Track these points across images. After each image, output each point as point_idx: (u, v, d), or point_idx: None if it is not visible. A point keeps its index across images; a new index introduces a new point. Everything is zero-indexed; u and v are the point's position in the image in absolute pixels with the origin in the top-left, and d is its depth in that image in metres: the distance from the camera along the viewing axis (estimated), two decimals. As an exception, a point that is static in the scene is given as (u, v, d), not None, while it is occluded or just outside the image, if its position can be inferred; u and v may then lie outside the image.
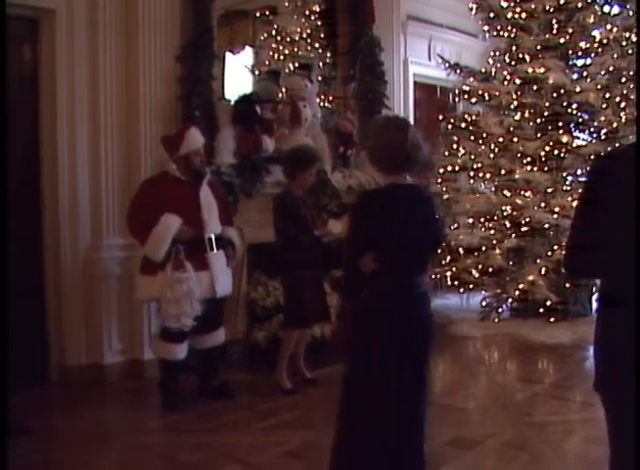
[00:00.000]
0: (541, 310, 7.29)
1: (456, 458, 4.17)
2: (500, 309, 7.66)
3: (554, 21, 7.70)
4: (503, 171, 7.75)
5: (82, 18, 5.69)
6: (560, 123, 7.58)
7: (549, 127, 7.57)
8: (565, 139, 7.40)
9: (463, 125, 8.08)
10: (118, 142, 5.88)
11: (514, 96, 7.77)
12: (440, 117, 8.43)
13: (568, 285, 7.26)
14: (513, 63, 7.92)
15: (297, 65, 7.21)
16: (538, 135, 7.64)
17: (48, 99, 5.59)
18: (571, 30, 7.65)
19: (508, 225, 7.59)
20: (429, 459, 4.07)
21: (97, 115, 5.78)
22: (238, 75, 7.22)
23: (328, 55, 7.90)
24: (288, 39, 7.49)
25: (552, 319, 7.23)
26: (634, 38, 7.69)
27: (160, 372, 5.20)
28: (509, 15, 7.89)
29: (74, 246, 5.76)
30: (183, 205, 4.97)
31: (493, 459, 4.23)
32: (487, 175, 7.91)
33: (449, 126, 8.18)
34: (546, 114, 7.51)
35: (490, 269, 7.65)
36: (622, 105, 7.57)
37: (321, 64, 7.85)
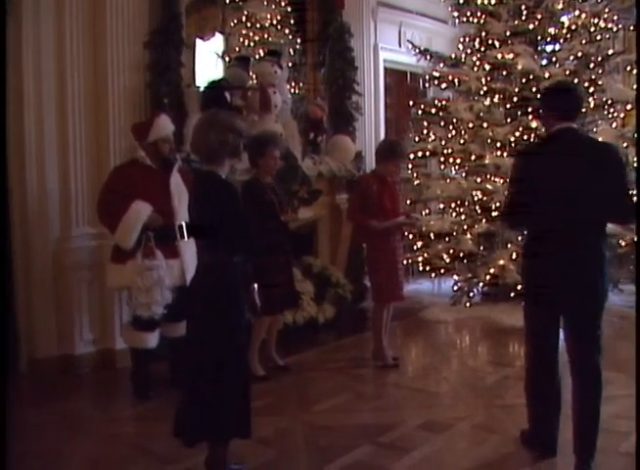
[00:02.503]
0: (512, 294, 7.33)
1: (427, 442, 4.21)
2: (471, 294, 7.72)
3: (523, 7, 7.74)
4: (473, 157, 7.79)
5: (49, 5, 5.61)
6: (529, 109, 7.62)
7: (518, 113, 7.62)
8: (534, 124, 7.43)
9: (433, 111, 8.09)
10: (87, 130, 5.82)
11: (483, 81, 7.79)
12: (411, 103, 8.44)
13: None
14: (482, 48, 7.94)
15: (266, 51, 7.14)
16: (508, 120, 7.68)
17: (14, 88, 5.50)
18: (539, 16, 7.68)
19: (478, 210, 7.62)
20: (401, 443, 4.15)
21: (64, 103, 5.71)
22: (208, 62, 7.17)
23: (298, 41, 7.87)
24: (258, 25, 7.44)
25: (523, 303, 7.27)
26: (602, 24, 7.76)
27: (132, 361, 5.19)
28: (478, 1, 7.91)
29: (44, 236, 5.70)
30: (153, 192, 4.93)
31: (464, 442, 4.29)
32: (458, 161, 7.94)
33: (419, 112, 8.19)
34: (515, 99, 7.55)
35: (461, 254, 7.70)
36: (591, 90, 7.62)
37: (291, 50, 7.83)
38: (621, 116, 8.05)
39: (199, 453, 3.73)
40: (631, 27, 8.12)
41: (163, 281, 4.86)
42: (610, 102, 7.70)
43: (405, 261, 7.90)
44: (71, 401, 5.03)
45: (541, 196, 3.70)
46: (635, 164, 7.70)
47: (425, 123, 8.23)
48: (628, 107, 7.84)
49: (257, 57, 7.26)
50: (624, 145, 7.72)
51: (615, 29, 7.83)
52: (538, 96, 7.45)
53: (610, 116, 7.88)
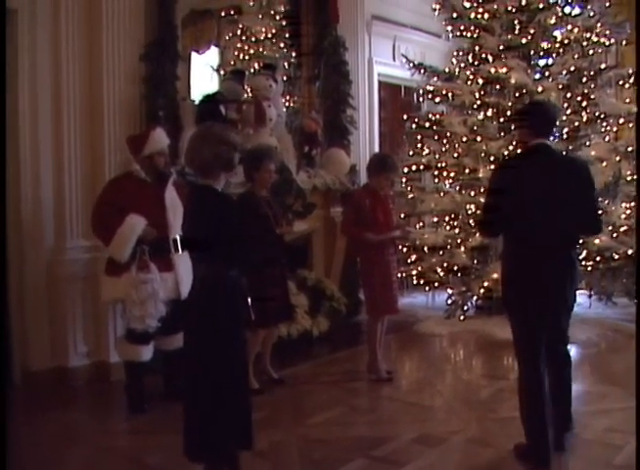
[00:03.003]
0: (506, 308, 7.34)
1: (421, 455, 4.20)
2: (465, 307, 7.72)
3: (516, 21, 7.79)
4: (467, 170, 7.82)
5: (45, 17, 5.64)
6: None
7: (512, 127, 7.65)
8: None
9: (427, 125, 8.13)
10: (82, 142, 5.84)
11: (477, 95, 7.85)
12: (405, 117, 8.47)
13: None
14: (476, 63, 7.99)
15: (261, 64, 7.18)
16: (501, 134, 7.72)
17: (10, 99, 5.50)
18: (532, 31, 7.74)
19: (472, 224, 7.64)
20: (394, 457, 4.15)
21: (60, 114, 5.73)
22: (203, 75, 7.20)
23: (293, 55, 7.91)
24: (253, 39, 7.48)
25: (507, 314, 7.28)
26: (594, 39, 7.82)
27: (126, 374, 5.17)
28: (472, 15, 7.97)
29: (38, 247, 5.70)
30: (148, 205, 4.93)
31: (458, 456, 4.26)
32: (451, 174, 7.97)
33: (413, 126, 8.23)
34: (509, 113, 7.59)
35: (455, 268, 7.72)
36: (584, 104, 7.68)
37: (286, 64, 7.86)
38: (614, 129, 8.11)
39: (192, 466, 3.71)
40: (624, 42, 8.19)
41: (158, 294, 4.85)
42: (602, 116, 7.76)
43: (399, 275, 7.90)
44: (65, 414, 5.00)
45: (517, 206, 3.91)
46: (628, 178, 7.75)
47: (419, 137, 8.27)
48: (621, 121, 7.90)
49: (252, 70, 7.30)
50: (617, 159, 7.78)
51: (607, 44, 7.91)
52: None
53: (602, 129, 7.93)
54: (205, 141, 3.57)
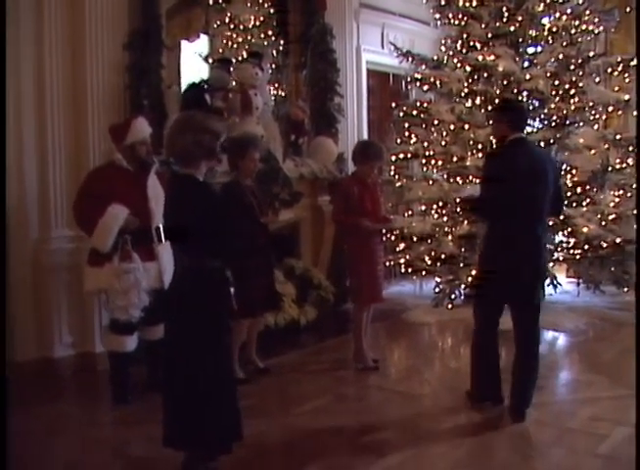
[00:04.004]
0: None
1: (404, 445, 4.20)
2: (453, 296, 7.72)
3: (504, 9, 7.74)
4: (455, 159, 7.79)
5: (27, 6, 5.59)
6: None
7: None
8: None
9: (414, 113, 8.09)
10: (66, 132, 5.82)
11: (464, 83, 7.81)
12: (393, 105, 8.43)
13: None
14: (464, 50, 7.95)
15: (245, 53, 7.12)
16: (489, 122, 7.66)
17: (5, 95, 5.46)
18: (520, 18, 7.69)
19: (459, 212, 7.63)
20: (377, 447, 4.14)
21: (43, 104, 5.71)
22: (192, 64, 7.16)
23: (281, 43, 7.85)
24: (241, 27, 7.41)
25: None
26: (583, 26, 7.78)
27: (110, 365, 5.15)
28: (460, 3, 7.92)
29: (22, 237, 5.69)
30: (130, 195, 4.89)
31: (442, 446, 4.26)
32: (439, 163, 7.95)
33: (401, 114, 8.18)
34: (497, 101, 7.55)
35: (443, 256, 7.71)
36: (572, 92, 7.65)
37: (274, 52, 7.80)
38: (603, 117, 8.10)
39: (175, 457, 3.70)
40: (612, 29, 8.16)
41: (140, 284, 4.81)
42: (591, 104, 7.73)
43: (387, 263, 7.91)
44: (50, 404, 4.97)
45: (508, 192, 4.43)
46: (617, 166, 7.75)
47: (406, 125, 8.23)
48: (610, 109, 7.88)
49: (239, 59, 7.24)
50: (606, 147, 7.76)
51: (596, 32, 7.87)
52: (519, 98, 7.51)
53: (591, 118, 7.90)
54: (187, 129, 3.53)
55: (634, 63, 7.49)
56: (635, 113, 7.59)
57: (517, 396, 4.61)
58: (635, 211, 7.28)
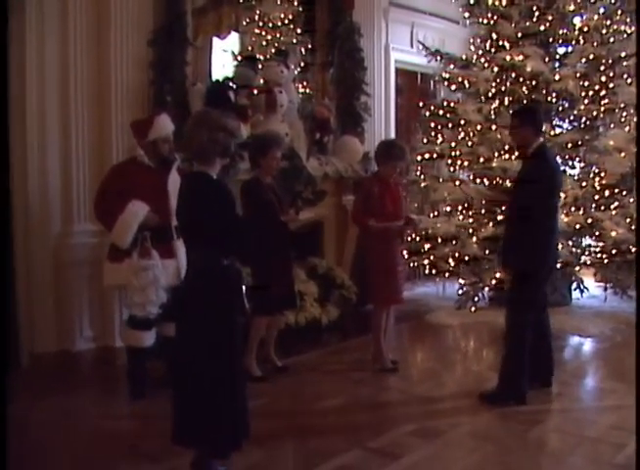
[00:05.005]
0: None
1: (418, 448, 4.15)
2: (476, 298, 7.63)
3: (534, 8, 7.65)
4: (481, 159, 7.70)
5: (53, 2, 5.62)
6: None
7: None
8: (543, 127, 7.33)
9: (441, 113, 8.01)
10: (89, 127, 5.86)
11: (492, 84, 7.71)
12: (420, 104, 8.36)
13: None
14: (492, 50, 7.86)
15: (272, 51, 7.12)
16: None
17: (17, 85, 5.51)
18: (550, 18, 7.59)
19: (484, 213, 7.55)
20: (391, 449, 4.10)
21: (67, 100, 5.75)
22: (223, 60, 7.20)
23: (308, 41, 7.83)
24: (270, 25, 7.41)
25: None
26: (615, 26, 7.65)
27: (128, 360, 5.17)
28: (489, 1, 7.83)
29: (45, 232, 5.74)
30: (150, 192, 4.90)
31: (456, 449, 4.21)
32: (465, 163, 7.86)
33: (427, 113, 8.11)
34: (524, 101, 7.45)
35: (467, 258, 7.62)
36: (602, 93, 7.51)
37: (303, 50, 7.78)
38: (634, 119, 7.94)
39: (186, 453, 3.69)
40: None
41: (159, 281, 4.84)
42: (622, 105, 7.59)
43: (411, 264, 7.85)
44: (69, 397, 5.00)
45: (549, 194, 4.92)
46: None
47: (433, 125, 8.15)
48: (641, 110, 7.73)
49: (264, 57, 7.23)
50: (636, 149, 7.59)
51: (628, 32, 7.71)
52: (548, 99, 7.40)
53: (622, 119, 7.75)
54: (203, 126, 3.52)
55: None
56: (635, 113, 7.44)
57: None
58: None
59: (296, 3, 7.59)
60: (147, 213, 4.86)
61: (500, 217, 7.27)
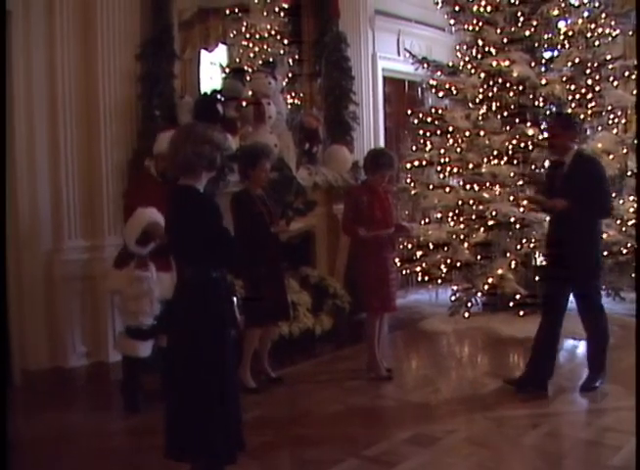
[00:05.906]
0: (511, 304, 7.27)
1: (414, 455, 4.14)
2: (470, 304, 7.64)
3: (519, 13, 7.69)
4: (470, 166, 7.72)
5: (39, 17, 5.65)
6: (527, 116, 7.57)
7: (515, 120, 7.56)
8: (531, 132, 7.38)
9: (430, 120, 8.03)
10: (78, 141, 5.86)
11: (480, 90, 7.74)
12: (409, 112, 8.38)
13: (537, 278, 7.26)
14: (479, 56, 7.89)
15: (260, 62, 7.14)
16: (505, 128, 7.61)
17: (5, 99, 5.50)
18: (535, 23, 7.63)
19: (475, 219, 7.56)
20: (387, 457, 4.09)
21: (55, 114, 5.75)
22: (211, 73, 7.21)
23: (295, 51, 7.86)
24: (257, 36, 7.44)
25: (522, 313, 7.19)
26: (599, 30, 7.69)
27: (123, 371, 5.16)
28: (474, 8, 7.87)
29: (35, 248, 5.73)
30: (154, 203, 4.93)
31: (451, 456, 4.19)
32: (455, 170, 7.88)
33: (416, 121, 8.13)
34: (512, 107, 7.49)
35: (458, 264, 7.63)
36: (589, 96, 7.55)
37: (290, 60, 7.80)
38: (622, 122, 7.98)
39: (181, 467, 3.67)
40: (630, 32, 8.04)
41: (152, 292, 4.87)
42: (609, 108, 7.63)
43: (404, 272, 7.86)
44: (62, 414, 4.97)
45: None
46: (636, 171, 7.62)
47: (422, 132, 8.18)
48: (628, 112, 7.77)
49: (252, 69, 7.25)
50: (624, 151, 7.64)
51: (613, 35, 7.76)
52: (536, 103, 7.43)
53: (610, 122, 7.79)
54: (188, 140, 3.50)
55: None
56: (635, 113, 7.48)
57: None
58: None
59: (282, 14, 7.61)
60: (149, 220, 4.87)
61: (491, 223, 7.27)
